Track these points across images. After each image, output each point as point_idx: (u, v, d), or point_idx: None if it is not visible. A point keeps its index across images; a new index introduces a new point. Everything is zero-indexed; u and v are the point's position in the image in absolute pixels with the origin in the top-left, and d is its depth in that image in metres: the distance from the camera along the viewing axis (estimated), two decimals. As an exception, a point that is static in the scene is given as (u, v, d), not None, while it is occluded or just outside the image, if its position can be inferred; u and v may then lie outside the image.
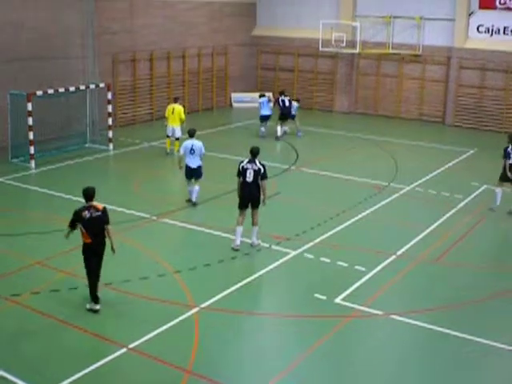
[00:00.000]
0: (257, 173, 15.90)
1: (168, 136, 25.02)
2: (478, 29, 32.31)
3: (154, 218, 18.37)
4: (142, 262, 15.47)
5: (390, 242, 16.97)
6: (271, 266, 15.30)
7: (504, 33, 31.72)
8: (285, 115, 28.51)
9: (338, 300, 13.69)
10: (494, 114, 32.12)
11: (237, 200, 16.31)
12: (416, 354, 12.05)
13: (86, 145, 26.23)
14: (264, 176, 15.98)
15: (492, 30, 32.05)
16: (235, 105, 36.59)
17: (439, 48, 33.13)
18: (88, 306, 12.92)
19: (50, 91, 23.92)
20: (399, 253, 16.32)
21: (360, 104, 35.91)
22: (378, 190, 21.56)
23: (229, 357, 11.66)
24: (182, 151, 19.08)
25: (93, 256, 12.78)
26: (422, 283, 14.94)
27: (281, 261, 15.64)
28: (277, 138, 28.13)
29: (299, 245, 16.57)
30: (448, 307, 13.73)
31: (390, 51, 34.07)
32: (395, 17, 33.86)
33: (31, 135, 22.96)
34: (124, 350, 11.53)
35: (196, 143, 19.03)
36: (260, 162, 16.02)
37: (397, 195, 21.05)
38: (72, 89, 24.87)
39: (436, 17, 32.93)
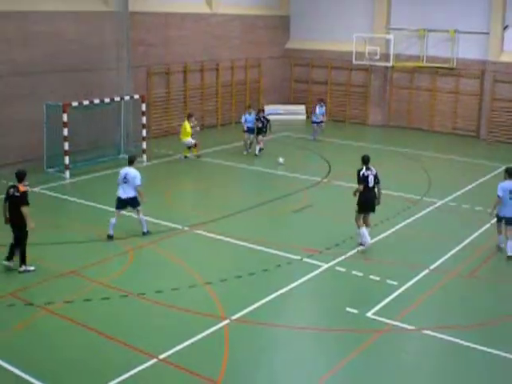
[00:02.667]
0: (375, 177, 16.97)
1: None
2: (512, 42, 32.06)
3: (186, 228, 18.44)
4: (174, 273, 15.52)
5: (422, 256, 16.83)
6: (303, 279, 15.25)
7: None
8: None
9: (369, 314, 13.59)
10: (529, 128, 31.78)
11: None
12: (449, 370, 11.89)
13: (120, 156, 26.43)
14: (379, 180, 17.17)
15: (527, 43, 31.77)
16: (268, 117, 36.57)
17: (473, 61, 32.89)
18: (22, 269, 15.04)
19: (86, 102, 24.20)
20: (432, 267, 16.17)
21: (393, 117, 35.75)
22: (411, 203, 21.42)
23: (259, 370, 11.62)
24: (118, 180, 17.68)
25: (12, 227, 15.07)
26: (455, 298, 14.78)
27: (312, 274, 15.58)
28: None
29: (331, 258, 16.50)
30: (482, 323, 13.55)
31: (424, 64, 33.91)
32: (429, 30, 33.70)
33: (66, 146, 23.23)
34: (154, 360, 11.56)
35: (131, 172, 17.46)
36: (373, 167, 17.14)
37: (430, 209, 20.89)
38: (107, 100, 25.13)
39: (470, 30, 32.71)
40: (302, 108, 37.26)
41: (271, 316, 13.53)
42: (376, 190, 17.16)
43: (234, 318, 13.20)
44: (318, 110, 31.21)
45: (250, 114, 28.43)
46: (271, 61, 37.19)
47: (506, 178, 17.23)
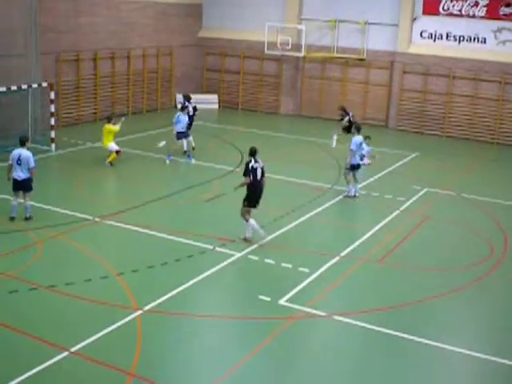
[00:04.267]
0: (263, 170, 16.80)
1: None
2: (421, 34, 32.87)
3: (97, 219, 18.16)
4: (85, 264, 15.27)
5: (333, 244, 17.12)
6: (215, 268, 15.26)
7: (447, 38, 32.34)
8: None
9: (282, 301, 13.73)
10: (436, 119, 32.71)
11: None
12: (358, 354, 12.17)
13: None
14: (264, 173, 16.94)
15: (435, 36, 32.64)
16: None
17: (383, 53, 33.58)
18: None
19: (-8, 90, 23.46)
20: (343, 254, 16.47)
21: (305, 107, 36.14)
22: (321, 192, 21.72)
23: (172, 359, 11.60)
24: (9, 161, 17.63)
25: None
26: (366, 284, 15.10)
27: (225, 263, 15.62)
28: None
29: (244, 247, 16.58)
30: (391, 308, 13.90)
31: (335, 55, 34.38)
32: (340, 21, 34.19)
33: (-29, 134, 22.49)
34: (66, 353, 11.36)
35: (24, 153, 17.51)
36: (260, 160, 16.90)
37: (340, 197, 21.24)
38: (14, 88, 24.42)
39: (380, 21, 33.37)
40: (214, 97, 37.18)
41: (184, 306, 13.50)
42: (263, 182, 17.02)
43: (146, 308, 13.10)
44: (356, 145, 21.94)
45: (185, 112, 25.08)
46: (184, 49, 36.95)
47: (355, 134, 21.36)
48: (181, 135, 24.60)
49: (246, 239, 16.91)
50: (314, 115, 35.53)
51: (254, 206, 16.87)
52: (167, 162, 24.25)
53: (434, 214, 19.98)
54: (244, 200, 16.85)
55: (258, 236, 16.88)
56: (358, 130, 21.52)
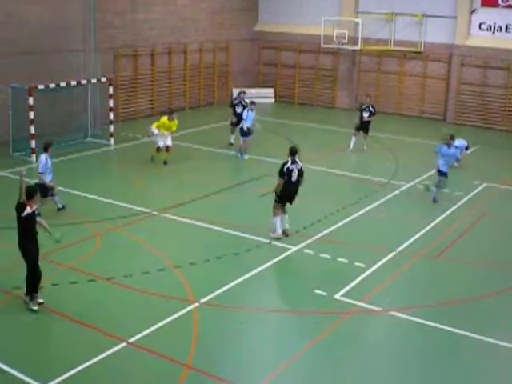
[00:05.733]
0: (300, 171, 16.42)
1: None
2: (480, 26, 32.28)
3: (155, 213, 18.39)
4: (143, 257, 15.49)
5: (390, 239, 16.99)
6: (271, 262, 15.32)
7: (506, 30, 31.69)
8: None
9: (337, 296, 13.71)
10: (495, 112, 32.10)
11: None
12: (415, 350, 12.07)
13: (88, 139, 26.23)
14: (303, 174, 16.59)
15: (494, 28, 32.02)
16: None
17: (441, 45, 33.10)
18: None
19: (52, 85, 23.90)
20: (399, 249, 16.34)
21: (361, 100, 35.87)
22: (378, 186, 21.57)
23: (228, 352, 11.69)
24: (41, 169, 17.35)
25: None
26: (422, 280, 14.96)
27: (281, 257, 15.67)
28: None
29: (299, 241, 16.59)
30: (448, 304, 13.75)
31: (392, 48, 34.04)
32: (397, 14, 33.81)
33: (32, 129, 22.96)
34: (124, 344, 11.56)
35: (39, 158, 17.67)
36: (300, 161, 16.57)
37: (397, 192, 21.06)
38: (73, 83, 24.85)
39: (438, 14, 32.89)
40: (270, 91, 37.19)
41: (240, 299, 13.59)
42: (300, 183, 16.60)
43: (203, 301, 13.22)
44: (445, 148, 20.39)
45: (252, 109, 24.52)
46: (240, 44, 37.05)
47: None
48: (246, 132, 24.23)
49: (274, 236, 16.62)
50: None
51: (284, 204, 16.65)
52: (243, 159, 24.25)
53: (492, 210, 19.66)
54: (275, 196, 16.64)
55: (272, 229, 16.70)
56: (452, 138, 20.17)
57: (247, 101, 25.42)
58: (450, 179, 22.28)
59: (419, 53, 33.58)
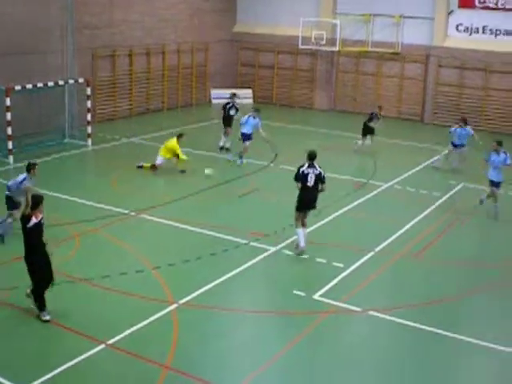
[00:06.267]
0: (317, 177, 15.67)
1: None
2: (457, 28, 32.54)
3: (133, 213, 18.34)
4: (122, 258, 15.44)
5: (368, 239, 17.06)
6: (250, 263, 15.33)
7: (483, 32, 31.97)
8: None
9: (316, 296, 13.75)
10: (471, 113, 32.32)
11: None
12: (393, 350, 12.14)
13: (65, 140, 26.09)
14: (324, 180, 15.77)
15: (471, 29, 32.28)
16: (214, 101, 36.54)
17: (418, 46, 33.29)
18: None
19: (29, 86, 23.73)
20: (378, 249, 16.42)
21: (339, 101, 36.02)
22: (357, 187, 21.67)
23: (207, 352, 11.68)
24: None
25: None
26: (400, 280, 15.05)
27: (260, 257, 15.68)
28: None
29: (278, 241, 16.61)
30: (426, 304, 13.84)
31: (370, 49, 34.19)
32: (375, 15, 33.99)
33: (9, 130, 22.79)
34: (102, 346, 11.51)
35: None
36: (319, 166, 15.81)
37: (375, 192, 21.17)
38: (51, 84, 24.69)
39: (415, 15, 33.09)
40: (248, 92, 37.21)
41: (219, 300, 13.58)
42: (319, 188, 15.83)
43: (181, 302, 13.21)
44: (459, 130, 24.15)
45: (254, 117, 24.06)
46: (218, 45, 37.04)
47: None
48: (245, 137, 23.93)
49: (297, 247, 16.04)
50: (348, 110, 35.36)
51: (302, 211, 15.93)
52: (240, 163, 23.90)
53: (470, 209, 19.80)
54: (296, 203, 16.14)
55: (297, 244, 16.08)
56: (500, 144, 19.44)
57: (236, 103, 25.56)
58: (427, 180, 22.47)
59: (397, 54, 33.76)
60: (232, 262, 15.36)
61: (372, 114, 26.72)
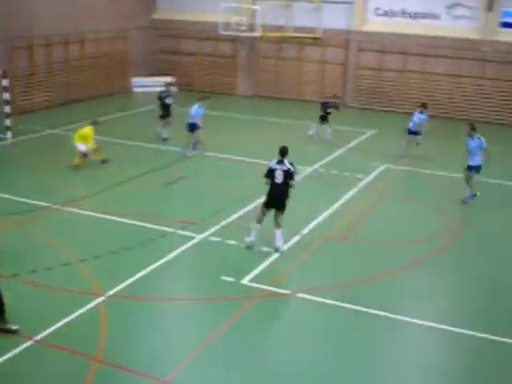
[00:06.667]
0: (286, 173, 15.23)
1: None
2: (375, 11, 33.01)
3: (57, 206, 18.01)
4: (47, 252, 15.14)
5: (294, 222, 17.16)
6: (178, 251, 15.28)
7: (402, 15, 32.53)
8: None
9: (245, 281, 13.81)
10: (392, 95, 32.94)
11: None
12: (323, 330, 12.31)
13: (-17, 134, 25.44)
14: (292, 176, 15.27)
15: (389, 13, 32.80)
16: (136, 89, 36.16)
17: (338, 31, 33.66)
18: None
19: None
20: (304, 232, 16.59)
21: (262, 87, 36.13)
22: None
23: (138, 343, 11.60)
24: None
25: None
26: (328, 261, 15.24)
27: (187, 245, 15.64)
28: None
29: (205, 228, 16.60)
30: (354, 284, 14.08)
31: (291, 34, 34.36)
32: (295, 0, 34.17)
33: None
34: (30, 342, 11.30)
35: None
36: (289, 162, 15.36)
37: (299, 177, 21.30)
38: (-35, 76, 23.97)
39: (335, 0, 33.41)
40: (169, 80, 36.84)
41: (148, 289, 13.50)
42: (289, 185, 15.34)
43: (110, 293, 13.07)
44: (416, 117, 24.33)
45: (200, 106, 23.43)
46: (138, 32, 36.59)
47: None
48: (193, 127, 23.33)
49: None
50: (271, 95, 35.52)
51: (269, 209, 15.57)
52: (188, 155, 23.24)
53: (392, 190, 20.22)
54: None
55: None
56: (473, 128, 19.33)
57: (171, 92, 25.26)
58: (350, 162, 22.80)
59: (317, 39, 34.03)
60: (160, 251, 15.27)
61: (329, 102, 26.53)
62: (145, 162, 22.60)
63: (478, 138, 19.29)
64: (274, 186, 15.34)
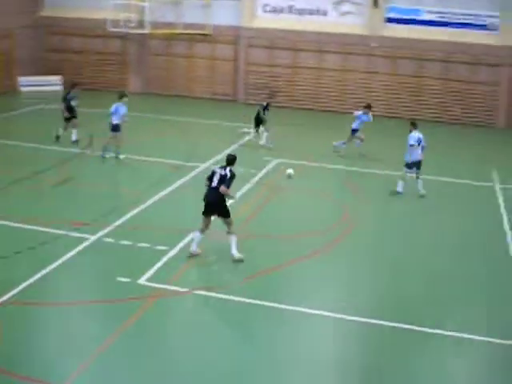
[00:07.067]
0: (222, 178, 14.75)
1: None
2: (264, 8, 33.34)
3: None
4: None
5: (189, 220, 17.14)
6: (71, 253, 14.95)
7: (290, 12, 32.99)
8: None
9: (141, 281, 13.71)
10: (283, 91, 33.37)
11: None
12: (220, 326, 12.39)
13: None
14: (225, 182, 14.68)
15: (278, 9, 33.21)
16: (23, 89, 35.16)
17: (228, 28, 33.84)
18: None
19: None
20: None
21: (153, 84, 35.87)
22: (174, 169, 21.73)
23: (33, 350, 11.31)
24: None
25: None
26: (224, 256, 15.27)
27: (80, 247, 15.34)
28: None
29: (98, 229, 16.34)
30: (251, 277, 14.22)
31: (180, 31, 34.25)
32: (184, -3, 34.14)
33: None
34: None
35: None
36: (231, 170, 14.82)
37: (193, 173, 21.35)
38: None
39: (224, -4, 33.60)
40: (57, 78, 36.02)
41: (41, 294, 13.19)
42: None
43: (1, 300, 12.67)
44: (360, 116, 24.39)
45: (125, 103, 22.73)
46: (25, 30, 35.53)
47: (411, 131, 20.00)
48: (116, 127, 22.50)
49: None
50: (162, 92, 35.31)
51: (207, 216, 15.00)
52: (107, 157, 22.43)
53: (281, 184, 20.45)
54: None
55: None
56: (415, 126, 20.05)
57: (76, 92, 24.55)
58: (242, 157, 22.95)
59: (207, 35, 34.07)
60: (52, 254, 14.90)
61: (266, 104, 25.76)
62: (28, 163, 21.88)
63: (418, 133, 20.01)
64: (208, 190, 14.93)
